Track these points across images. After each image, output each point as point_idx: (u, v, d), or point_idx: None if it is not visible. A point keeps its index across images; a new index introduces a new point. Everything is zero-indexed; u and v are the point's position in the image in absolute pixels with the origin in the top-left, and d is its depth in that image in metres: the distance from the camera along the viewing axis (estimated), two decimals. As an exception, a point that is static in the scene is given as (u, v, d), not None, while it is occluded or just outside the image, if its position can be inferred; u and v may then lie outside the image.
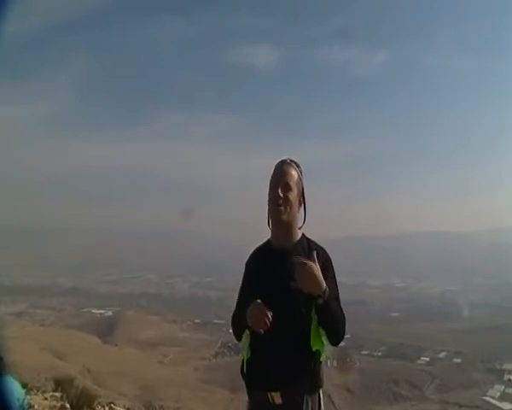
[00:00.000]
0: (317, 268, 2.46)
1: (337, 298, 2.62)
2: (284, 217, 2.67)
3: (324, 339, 2.63)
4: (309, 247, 2.68)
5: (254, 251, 2.87)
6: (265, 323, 2.42)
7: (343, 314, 2.60)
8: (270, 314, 2.41)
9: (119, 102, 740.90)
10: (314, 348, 2.58)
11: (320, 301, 2.46)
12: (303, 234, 2.77)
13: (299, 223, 2.77)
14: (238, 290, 2.89)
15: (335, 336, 2.62)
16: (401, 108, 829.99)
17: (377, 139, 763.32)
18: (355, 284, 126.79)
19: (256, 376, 2.64)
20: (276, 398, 2.55)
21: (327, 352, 2.70)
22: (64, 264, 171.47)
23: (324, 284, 2.46)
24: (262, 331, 2.44)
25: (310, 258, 2.54)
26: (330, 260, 2.70)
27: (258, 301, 2.45)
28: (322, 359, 2.63)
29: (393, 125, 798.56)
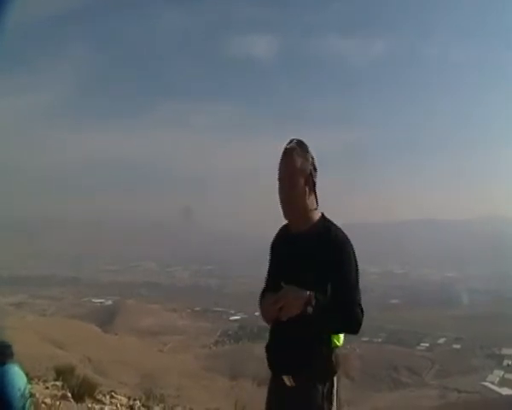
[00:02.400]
0: (289, 296, 2.43)
1: (345, 285, 2.52)
2: (287, 217, 2.68)
3: None
4: (323, 231, 2.60)
5: (278, 231, 2.86)
6: (272, 316, 2.48)
7: (348, 307, 2.48)
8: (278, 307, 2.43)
9: (119, 93, 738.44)
10: (324, 334, 2.58)
11: (308, 312, 2.41)
12: (322, 215, 2.71)
13: (313, 205, 2.70)
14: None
15: (342, 332, 2.60)
16: (400, 97, 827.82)
17: (377, 128, 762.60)
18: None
19: (270, 360, 2.70)
20: (288, 381, 2.58)
21: (342, 338, 2.65)
22: (64, 254, 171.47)
23: (302, 301, 2.41)
24: (269, 324, 2.53)
25: (321, 241, 2.55)
26: (343, 243, 2.60)
27: (271, 294, 2.48)
28: (333, 345, 2.59)
29: (392, 114, 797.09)
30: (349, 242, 2.62)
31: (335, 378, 2.63)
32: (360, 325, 2.49)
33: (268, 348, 2.72)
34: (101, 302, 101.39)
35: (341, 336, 2.64)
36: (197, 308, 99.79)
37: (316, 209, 2.70)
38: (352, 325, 2.51)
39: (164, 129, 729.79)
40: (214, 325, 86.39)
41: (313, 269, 2.51)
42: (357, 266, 2.61)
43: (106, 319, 79.42)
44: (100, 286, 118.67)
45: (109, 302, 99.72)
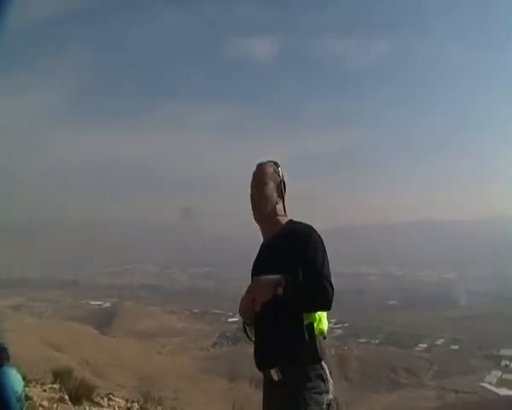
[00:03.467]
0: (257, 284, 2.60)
1: (317, 266, 2.61)
2: (256, 216, 2.91)
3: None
4: (290, 228, 2.80)
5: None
6: (247, 313, 2.67)
7: (319, 283, 2.55)
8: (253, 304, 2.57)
9: (119, 93, 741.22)
10: (306, 322, 2.61)
11: (278, 294, 2.51)
12: (289, 220, 2.89)
13: (281, 211, 2.91)
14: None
15: (315, 309, 2.65)
16: (398, 98, 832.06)
17: (376, 129, 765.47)
18: (353, 272, 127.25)
19: (257, 356, 2.77)
20: (275, 375, 2.63)
21: (326, 324, 2.71)
22: (62, 256, 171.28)
23: (272, 284, 2.52)
24: (247, 321, 2.71)
25: (287, 239, 2.71)
26: (310, 231, 2.74)
27: (243, 294, 2.65)
28: (317, 331, 2.64)
29: (391, 115, 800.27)
30: (313, 229, 2.76)
31: (324, 363, 2.65)
32: (330, 297, 2.55)
33: (254, 344, 2.81)
34: (99, 305, 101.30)
35: (324, 321, 2.70)
36: (195, 310, 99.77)
37: (284, 216, 2.91)
38: (321, 297, 2.55)
39: (163, 130, 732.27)
40: (212, 327, 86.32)
41: (284, 267, 2.60)
42: (323, 248, 2.71)
43: (104, 322, 79.30)
44: (98, 288, 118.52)
45: (107, 305, 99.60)
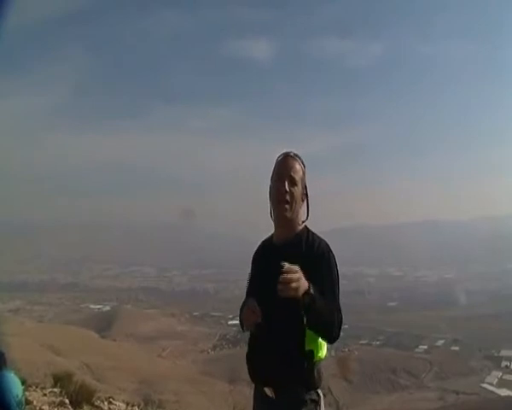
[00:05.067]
0: (295, 274, 2.31)
1: (329, 293, 2.51)
2: (288, 214, 2.64)
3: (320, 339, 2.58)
4: (307, 241, 2.63)
5: (259, 246, 2.87)
6: (253, 323, 2.48)
7: (335, 311, 2.47)
8: (259, 313, 2.45)
9: (117, 95, 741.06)
10: (307, 348, 2.54)
11: (304, 301, 2.34)
12: (305, 227, 2.72)
13: (303, 217, 2.72)
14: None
15: (326, 335, 2.53)
16: (398, 97, 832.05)
17: (375, 129, 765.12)
18: (352, 273, 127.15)
19: (251, 370, 2.70)
20: (269, 392, 2.59)
21: (325, 351, 2.64)
22: (62, 259, 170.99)
23: (304, 287, 2.33)
24: (251, 330, 2.55)
25: (304, 252, 2.56)
26: (327, 253, 2.60)
27: (251, 300, 2.52)
28: (316, 359, 2.58)
29: (391, 115, 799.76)
30: (331, 251, 2.65)
31: (320, 391, 2.62)
32: (340, 332, 2.48)
33: (249, 358, 2.71)
34: (99, 308, 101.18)
35: (324, 349, 2.63)
36: (195, 313, 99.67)
37: (303, 221, 2.73)
38: (334, 329, 2.46)
39: (163, 131, 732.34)
40: (212, 329, 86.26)
41: None
42: (338, 275, 2.63)
43: (104, 325, 79.24)
44: (97, 292, 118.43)
45: (107, 308, 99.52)
